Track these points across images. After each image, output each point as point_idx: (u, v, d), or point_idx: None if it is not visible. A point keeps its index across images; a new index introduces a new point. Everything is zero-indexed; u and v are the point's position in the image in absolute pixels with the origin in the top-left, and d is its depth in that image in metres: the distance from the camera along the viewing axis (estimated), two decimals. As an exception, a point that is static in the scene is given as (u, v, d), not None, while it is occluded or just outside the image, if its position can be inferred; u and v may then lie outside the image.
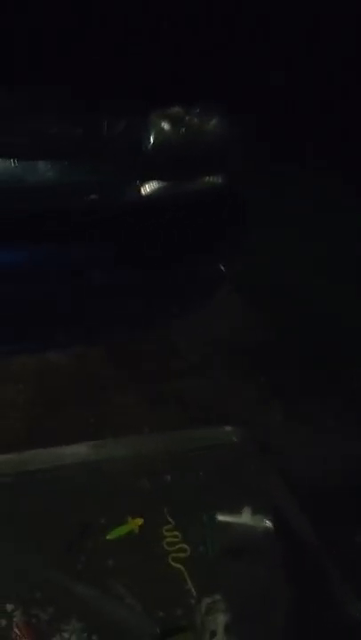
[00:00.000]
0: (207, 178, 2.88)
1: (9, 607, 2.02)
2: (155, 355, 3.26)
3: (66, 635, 1.95)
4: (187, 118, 2.68)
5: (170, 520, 2.34)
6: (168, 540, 2.29)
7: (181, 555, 2.24)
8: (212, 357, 3.39)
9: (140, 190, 2.68)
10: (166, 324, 3.21)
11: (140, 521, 2.31)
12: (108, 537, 2.26)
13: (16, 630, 1.93)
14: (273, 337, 3.51)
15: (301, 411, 3.05)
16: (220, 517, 2.38)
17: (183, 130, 2.66)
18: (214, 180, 2.90)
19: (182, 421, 2.89)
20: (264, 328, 3.59)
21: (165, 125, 2.64)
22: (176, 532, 2.30)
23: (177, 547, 2.27)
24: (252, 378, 3.24)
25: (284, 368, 3.31)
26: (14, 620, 1.97)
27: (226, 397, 3.10)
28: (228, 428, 2.77)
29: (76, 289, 2.70)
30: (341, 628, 2.16)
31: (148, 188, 2.68)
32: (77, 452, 2.62)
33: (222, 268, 3.01)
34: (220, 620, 1.96)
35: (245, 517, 2.39)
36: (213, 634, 1.94)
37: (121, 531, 2.29)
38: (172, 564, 2.22)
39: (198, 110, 2.71)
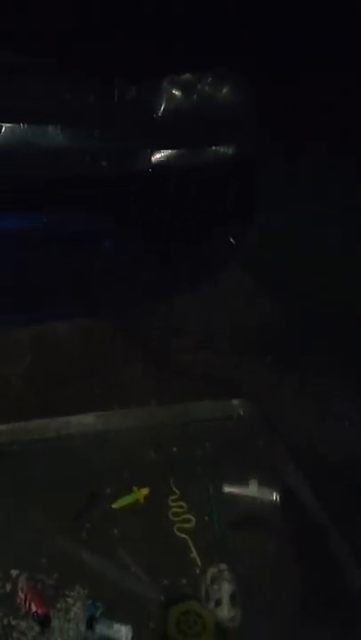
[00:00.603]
0: (219, 147, 2.83)
1: (14, 572, 2.02)
2: (163, 328, 3.24)
3: (70, 600, 1.96)
4: (199, 85, 2.63)
5: (175, 490, 2.34)
6: (174, 510, 2.28)
7: (187, 525, 2.24)
8: (222, 332, 3.36)
9: (150, 159, 2.63)
10: (176, 297, 3.18)
11: (145, 491, 2.31)
12: (113, 506, 2.26)
13: (21, 594, 1.93)
14: (284, 313, 3.47)
15: (311, 386, 3.02)
16: (227, 489, 2.37)
17: (195, 97, 2.61)
18: (226, 149, 2.85)
19: (190, 395, 2.86)
20: (274, 303, 3.55)
21: (177, 92, 2.59)
22: (181, 503, 2.30)
23: (182, 517, 2.26)
24: (261, 353, 3.21)
25: (295, 344, 3.27)
26: (19, 584, 1.97)
27: (234, 372, 3.08)
28: (236, 402, 2.76)
29: (82, 259, 2.67)
30: (346, 600, 2.16)
31: (158, 157, 2.64)
32: (84, 422, 2.61)
33: (233, 241, 2.96)
34: (226, 589, 1.96)
35: (252, 490, 2.38)
36: (218, 602, 1.94)
37: (127, 500, 2.28)
38: (178, 533, 2.21)
39: (211, 77, 2.66)
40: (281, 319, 3.43)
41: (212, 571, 2.04)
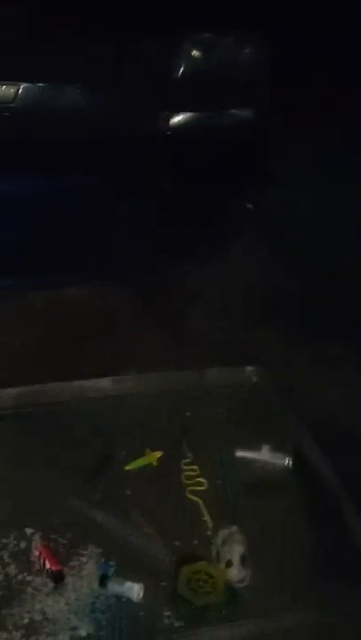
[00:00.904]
0: (237, 110, 2.79)
1: (28, 531, 2.06)
2: (177, 294, 3.24)
3: (83, 559, 1.99)
4: (218, 46, 2.58)
5: (188, 454, 2.36)
6: (186, 473, 2.30)
7: (199, 488, 2.26)
8: (236, 299, 3.35)
9: (168, 121, 2.61)
10: (191, 263, 3.18)
11: (158, 454, 2.33)
12: (127, 468, 2.29)
13: (35, 552, 1.97)
14: (298, 281, 3.46)
15: (324, 354, 3.02)
16: (239, 453, 2.39)
17: (215, 58, 2.57)
18: (243, 112, 2.81)
19: (203, 361, 2.88)
20: (289, 271, 3.54)
21: (196, 52, 2.55)
22: (194, 466, 2.32)
23: (195, 480, 2.28)
24: (275, 321, 3.21)
25: (309, 312, 3.27)
26: (34, 543, 2.01)
27: (248, 339, 3.08)
28: (250, 368, 2.76)
29: (97, 222, 2.66)
30: (353, 561, 2.18)
31: (176, 119, 2.61)
32: (99, 386, 2.63)
33: (250, 206, 2.94)
34: (237, 550, 1.98)
35: (264, 454, 2.39)
36: (230, 563, 1.97)
37: (140, 463, 2.31)
38: (190, 496, 2.24)
39: (231, 38, 2.61)
40: (295, 287, 3.42)
41: (223, 532, 2.06)
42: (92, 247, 2.70)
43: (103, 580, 1.90)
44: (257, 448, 2.41)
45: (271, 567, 2.08)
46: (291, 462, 2.38)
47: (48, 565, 1.92)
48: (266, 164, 3.10)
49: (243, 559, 1.98)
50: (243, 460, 2.39)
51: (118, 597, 1.88)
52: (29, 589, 1.91)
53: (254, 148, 2.91)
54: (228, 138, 2.77)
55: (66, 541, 2.04)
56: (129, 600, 1.87)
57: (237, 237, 3.38)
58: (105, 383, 2.62)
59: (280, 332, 3.14)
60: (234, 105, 2.75)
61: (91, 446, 2.35)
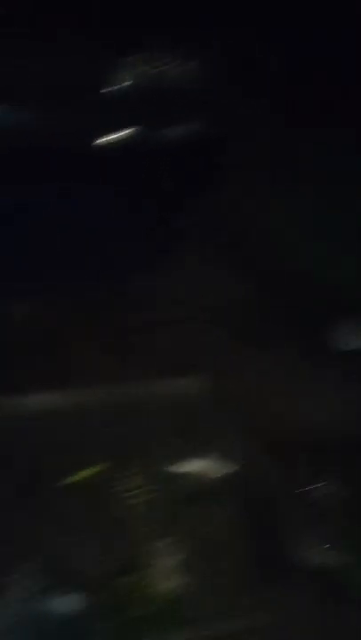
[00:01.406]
0: (186, 124, 2.84)
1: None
2: (122, 306, 3.25)
3: (22, 573, 2.01)
4: (165, 62, 2.63)
5: (129, 466, 2.39)
6: (127, 485, 2.34)
7: (140, 499, 2.30)
8: (183, 308, 3.38)
9: (115, 136, 2.64)
10: (138, 273, 3.21)
11: (99, 466, 2.36)
12: (68, 480, 2.31)
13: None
14: (246, 287, 3.49)
15: (272, 361, 3.05)
16: (180, 464, 2.44)
17: (162, 73, 2.61)
18: (194, 126, 2.86)
19: (148, 372, 2.90)
20: (237, 277, 3.57)
21: (143, 69, 2.59)
22: (135, 478, 2.36)
23: (135, 491, 2.32)
24: (222, 328, 3.24)
25: (257, 318, 3.30)
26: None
27: (194, 348, 3.10)
28: (191, 378, 2.81)
29: (46, 234, 2.68)
30: (290, 570, 2.25)
31: (122, 134, 2.65)
32: (43, 399, 2.65)
33: (196, 220, 2.99)
34: (172, 560, 2.03)
35: (205, 464, 2.45)
36: (165, 573, 2.01)
37: (81, 475, 2.34)
38: (130, 508, 2.27)
39: (178, 54, 2.66)
40: (243, 294, 3.46)
41: (161, 543, 2.11)
42: (34, 259, 2.72)
43: (40, 594, 1.93)
44: (198, 457, 2.46)
45: (207, 575, 2.14)
46: (231, 472, 2.44)
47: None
48: (216, 178, 3.15)
49: (179, 569, 2.03)
50: (184, 470, 2.43)
51: (52, 610, 1.90)
52: None
53: (204, 162, 2.96)
54: (177, 151, 2.81)
55: (2, 555, 2.06)
56: (63, 613, 1.90)
57: (186, 246, 3.42)
58: (48, 396, 2.64)
59: (227, 340, 3.18)
60: (183, 119, 2.80)
61: (31, 459, 2.36)
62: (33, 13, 2.56)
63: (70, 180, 2.70)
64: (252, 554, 2.24)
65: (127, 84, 2.66)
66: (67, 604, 1.90)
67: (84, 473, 2.35)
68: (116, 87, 2.64)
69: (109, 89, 2.63)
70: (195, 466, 2.45)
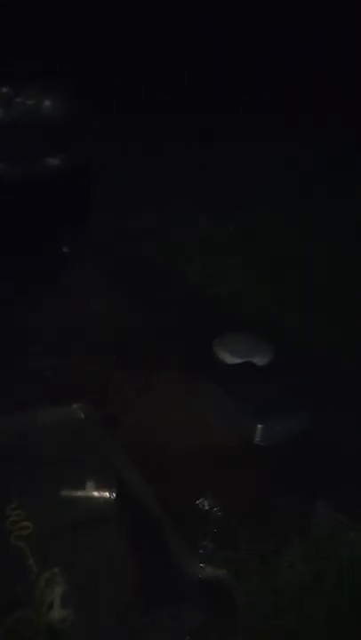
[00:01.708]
0: (49, 157, 2.87)
1: None
2: (8, 335, 3.22)
3: None
4: (20, 98, 2.65)
5: (13, 499, 2.38)
6: (12, 518, 2.33)
7: (24, 532, 2.29)
8: (66, 335, 3.38)
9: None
10: (18, 303, 3.20)
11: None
12: None
13: None
14: (130, 312, 3.54)
15: (154, 383, 3.11)
16: (64, 492, 2.44)
17: (17, 110, 2.63)
18: (57, 159, 2.90)
19: (32, 401, 2.89)
20: (120, 303, 3.62)
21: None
22: (19, 511, 2.35)
23: (20, 524, 2.31)
24: (106, 354, 3.27)
25: (140, 342, 3.35)
26: None
27: (78, 375, 3.10)
28: (76, 406, 2.83)
29: None
30: (180, 589, 2.30)
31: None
32: None
33: (66, 249, 3.02)
34: (57, 591, 2.04)
35: (89, 491, 2.47)
36: (50, 605, 2.01)
37: None
38: (15, 541, 2.26)
39: (34, 90, 2.69)
40: (127, 319, 3.50)
41: (45, 575, 2.11)
42: None
43: None
44: (82, 484, 2.48)
45: (96, 603, 2.14)
46: (115, 496, 2.47)
47: None
48: (84, 206, 3.19)
49: (63, 600, 2.03)
50: (68, 498, 2.44)
51: None
52: None
53: (71, 192, 3.00)
54: (40, 185, 2.83)
55: None
56: None
57: (62, 276, 3.44)
58: None
59: (111, 366, 3.20)
60: (44, 153, 2.82)
61: None
62: None
63: None
64: (142, 575, 2.27)
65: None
66: None
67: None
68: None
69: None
70: (82, 493, 2.46)
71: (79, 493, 2.46)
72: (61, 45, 3.31)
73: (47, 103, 2.76)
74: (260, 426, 2.77)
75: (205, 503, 2.51)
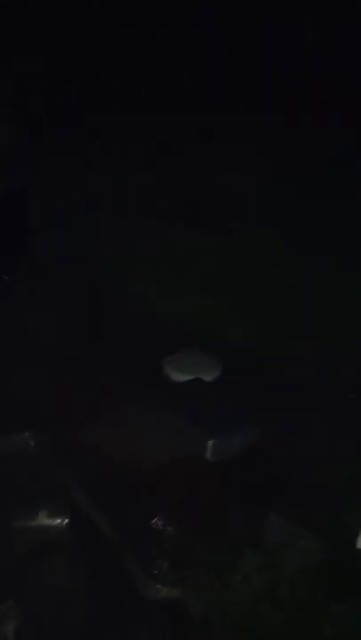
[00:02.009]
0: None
1: None
2: None
3: None
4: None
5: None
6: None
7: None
8: (20, 361, 3.35)
9: None
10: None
11: None
12: None
13: None
14: (82, 334, 3.52)
15: (100, 408, 3.08)
16: (16, 523, 2.43)
17: None
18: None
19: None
20: (71, 325, 3.59)
21: None
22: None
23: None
24: (59, 379, 3.24)
25: (85, 368, 3.32)
26: None
27: (30, 402, 3.08)
28: (26, 434, 2.81)
29: None
30: (137, 611, 2.31)
31: None
32: None
33: (6, 277, 3.02)
34: (10, 627, 2.03)
35: (41, 520, 2.46)
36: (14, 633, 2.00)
37: None
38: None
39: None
40: (74, 343, 3.47)
41: (5, 605, 2.10)
42: None
43: None
44: (34, 514, 2.47)
45: (53, 632, 2.14)
46: (68, 523, 2.47)
47: None
48: (22, 233, 3.19)
49: (18, 634, 2.02)
50: (20, 529, 2.43)
51: None
52: None
53: (8, 219, 3.00)
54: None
55: None
56: None
57: (9, 301, 3.42)
58: None
59: (64, 390, 3.18)
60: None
61: None
62: None
63: None
64: (98, 600, 2.28)
65: None
66: None
67: None
68: None
69: None
70: (34, 522, 2.46)
71: (31, 523, 2.45)
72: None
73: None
74: (211, 442, 2.80)
75: (159, 523, 2.52)
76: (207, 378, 3.19)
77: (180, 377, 3.21)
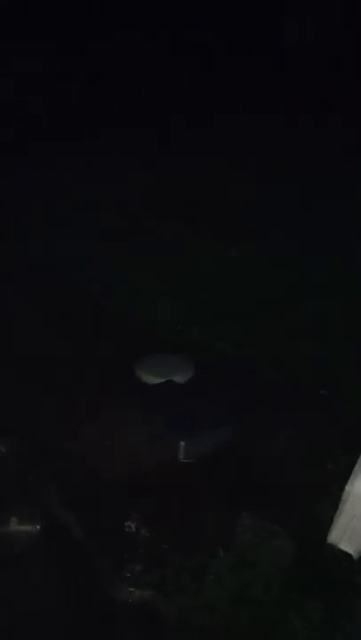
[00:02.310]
0: None
1: None
2: None
3: None
4: None
5: None
6: None
7: None
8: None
9: None
10: None
11: None
12: None
13: None
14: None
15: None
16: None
17: None
18: None
19: None
20: (46, 330, 3.57)
21: None
22: None
23: None
24: (32, 383, 3.22)
25: (58, 372, 3.29)
26: None
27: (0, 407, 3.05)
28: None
29: None
30: (110, 615, 2.30)
31: None
32: None
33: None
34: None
35: (13, 525, 2.44)
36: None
37: None
38: None
39: None
40: (47, 348, 3.44)
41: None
42: None
43: None
44: (5, 520, 2.46)
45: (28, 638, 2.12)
46: (40, 528, 2.45)
47: None
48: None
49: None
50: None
51: None
52: None
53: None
54: None
55: None
56: None
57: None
58: None
59: (38, 395, 3.15)
60: None
61: None
62: None
63: None
64: (71, 604, 2.26)
65: None
66: None
67: None
68: None
69: None
70: (4, 529, 2.44)
71: (2, 529, 2.44)
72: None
73: None
74: (183, 443, 2.80)
75: (132, 525, 2.51)
76: (179, 380, 3.18)
77: (152, 379, 3.21)
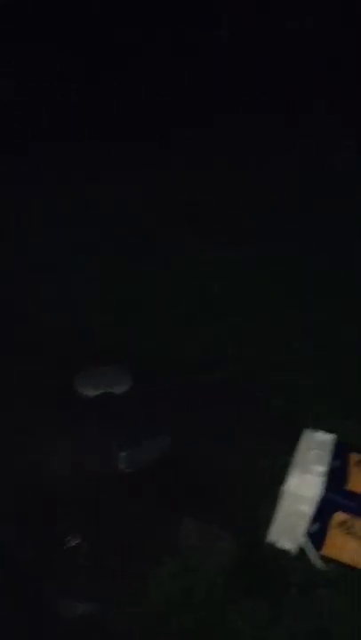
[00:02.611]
0: None
1: None
2: None
3: None
4: None
5: None
6: None
7: None
8: None
9: None
10: None
11: None
12: None
13: None
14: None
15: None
16: None
17: None
18: None
19: None
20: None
21: None
22: None
23: None
24: None
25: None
26: None
27: None
28: None
29: None
30: (55, 631, 2.28)
31: None
32: None
33: None
34: None
35: None
36: None
37: None
38: None
39: None
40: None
41: None
42: None
43: None
44: None
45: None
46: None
47: None
48: None
49: None
50: None
51: None
52: None
53: None
54: None
55: None
56: None
57: None
58: None
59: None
60: None
61: None
62: None
63: None
64: (16, 622, 2.24)
65: None
66: None
67: None
68: None
69: None
70: None
71: None
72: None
73: None
74: (123, 453, 2.77)
75: (73, 540, 2.47)
76: (118, 391, 3.14)
77: (89, 392, 3.15)
